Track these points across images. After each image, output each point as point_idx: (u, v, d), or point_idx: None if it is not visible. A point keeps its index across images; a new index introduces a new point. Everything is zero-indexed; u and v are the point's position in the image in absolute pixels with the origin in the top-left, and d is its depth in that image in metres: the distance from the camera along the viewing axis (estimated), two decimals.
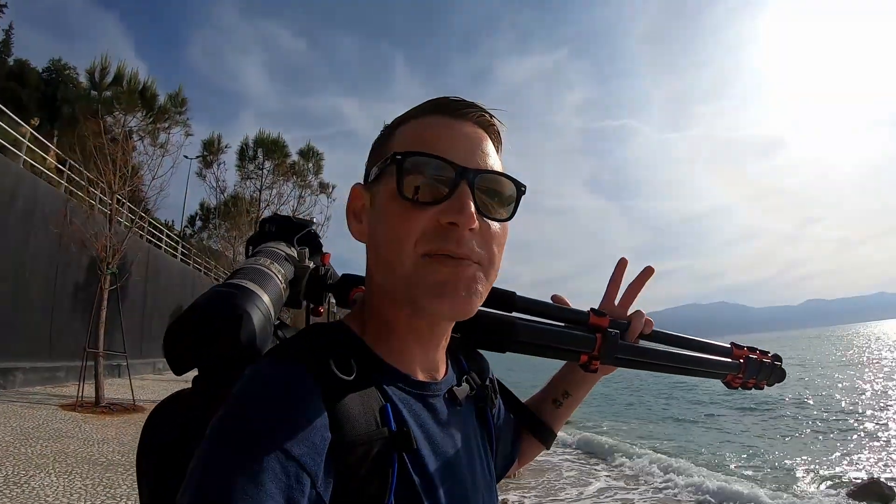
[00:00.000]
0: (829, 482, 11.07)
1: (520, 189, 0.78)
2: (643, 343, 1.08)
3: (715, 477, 11.53)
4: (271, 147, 13.59)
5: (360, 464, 0.63)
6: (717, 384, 1.25)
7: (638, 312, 1.10)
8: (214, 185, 13.31)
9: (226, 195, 13.41)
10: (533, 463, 10.28)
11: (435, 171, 0.71)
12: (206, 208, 14.17)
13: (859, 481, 10.41)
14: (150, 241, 20.52)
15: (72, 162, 15.27)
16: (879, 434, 15.97)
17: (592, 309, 1.01)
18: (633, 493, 10.19)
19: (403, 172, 0.71)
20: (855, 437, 15.93)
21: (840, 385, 30.25)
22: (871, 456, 13.40)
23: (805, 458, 13.52)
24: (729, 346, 1.19)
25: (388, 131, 0.81)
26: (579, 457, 13.58)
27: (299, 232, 1.05)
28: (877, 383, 30.20)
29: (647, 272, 1.14)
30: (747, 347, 1.19)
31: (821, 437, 16.22)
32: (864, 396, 24.84)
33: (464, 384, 0.86)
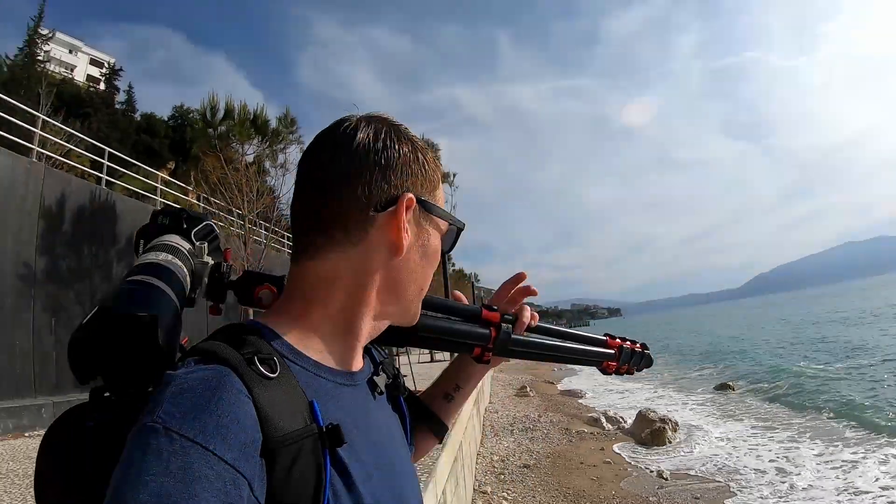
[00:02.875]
0: None
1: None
2: (530, 336, 1.15)
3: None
4: None
5: (293, 462, 0.64)
6: None
7: (523, 307, 1.18)
8: None
9: None
10: None
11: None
12: None
13: None
14: (289, 253, 20.81)
15: (203, 195, 17.23)
16: None
17: (484, 304, 1.10)
18: None
19: (456, 239, 0.93)
20: None
21: None
22: None
23: None
24: (604, 336, 1.32)
25: (434, 162, 0.87)
26: None
27: (196, 225, 1.01)
28: None
29: (519, 277, 1.21)
30: (619, 338, 1.32)
31: None
32: None
33: (381, 374, 0.91)
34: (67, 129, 16.82)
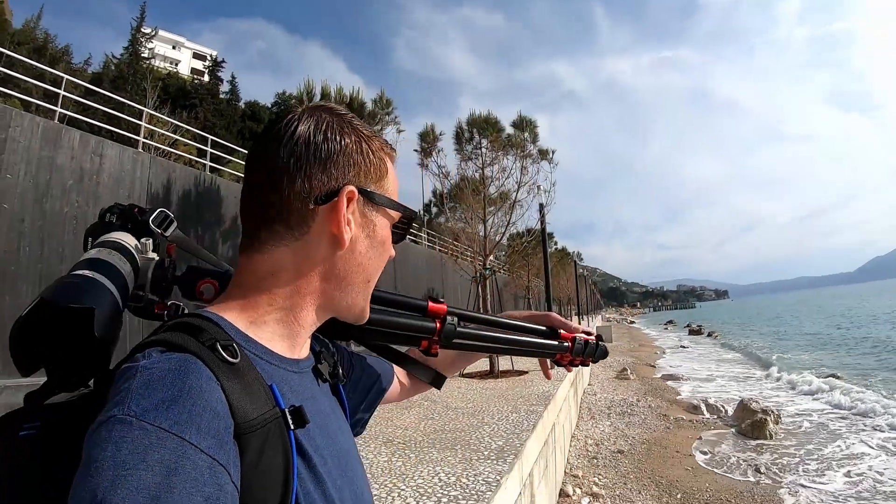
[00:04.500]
0: None
1: None
2: (478, 329, 1.16)
3: None
4: (483, 125, 14.26)
5: (263, 446, 0.65)
6: None
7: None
8: (437, 172, 14.16)
9: (450, 179, 14.27)
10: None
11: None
12: (437, 194, 14.93)
13: None
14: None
15: None
16: None
17: (430, 297, 1.09)
18: None
19: (408, 228, 0.93)
20: None
21: None
22: None
23: None
24: (550, 328, 1.30)
25: (384, 157, 0.88)
26: None
27: (143, 221, 0.99)
28: None
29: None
30: (572, 329, 1.31)
31: None
32: None
33: (324, 362, 0.93)
34: (173, 120, 17.81)
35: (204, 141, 15.83)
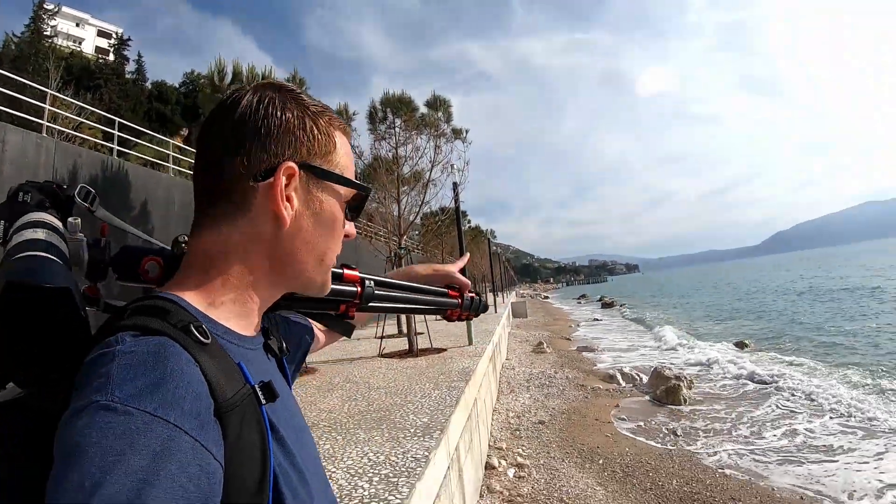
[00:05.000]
0: None
1: None
2: (390, 291, 1.22)
3: None
4: (397, 104, 14.03)
5: (241, 424, 0.65)
6: None
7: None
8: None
9: (363, 159, 13.95)
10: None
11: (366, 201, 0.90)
12: None
13: None
14: None
15: None
16: None
17: (344, 265, 1.11)
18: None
19: (360, 198, 0.90)
20: None
21: None
22: None
23: None
24: (445, 288, 1.40)
25: (330, 127, 0.85)
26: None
27: (62, 200, 0.94)
28: None
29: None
30: (458, 289, 1.41)
31: None
32: None
33: (272, 337, 0.92)
34: (77, 102, 16.89)
35: (110, 123, 14.93)
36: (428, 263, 1.48)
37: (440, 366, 8.53)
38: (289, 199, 0.78)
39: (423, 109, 14.52)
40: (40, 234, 0.82)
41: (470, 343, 11.21)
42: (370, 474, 3.77)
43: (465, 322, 1.60)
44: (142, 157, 16.07)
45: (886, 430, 9.03)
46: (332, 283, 1.01)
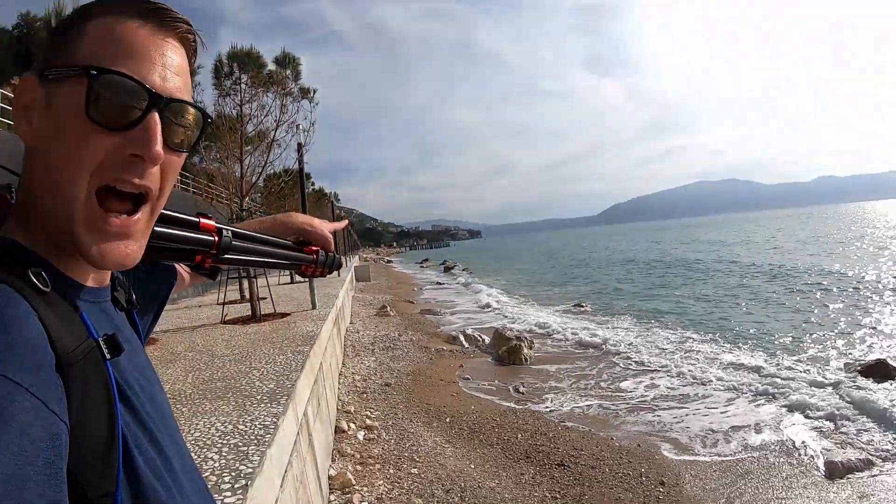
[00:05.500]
0: (835, 360, 11.51)
1: (206, 120, 0.77)
2: (247, 244, 1.18)
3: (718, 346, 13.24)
4: (245, 59, 12.99)
5: (85, 378, 0.59)
6: None
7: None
8: None
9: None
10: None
11: (128, 95, 0.66)
12: None
13: (866, 360, 10.84)
14: None
15: None
16: (889, 313, 16.15)
17: (200, 213, 1.06)
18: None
19: (95, 90, 0.64)
20: (863, 315, 16.13)
21: (847, 263, 30.39)
22: (879, 335, 13.53)
23: (810, 334, 14.15)
24: (300, 244, 1.39)
25: (80, 20, 0.69)
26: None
27: None
28: (888, 262, 29.51)
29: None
30: (314, 246, 1.40)
31: (828, 315, 16.62)
32: (873, 275, 24.69)
33: (119, 289, 0.85)
34: None
35: None
36: (289, 213, 1.40)
37: (284, 331, 8.29)
38: (29, 119, 0.67)
39: (271, 66, 13.94)
40: None
41: (314, 307, 10.98)
42: (219, 445, 3.56)
43: (312, 279, 1.55)
44: None
45: (712, 382, 10.10)
46: (189, 232, 0.96)
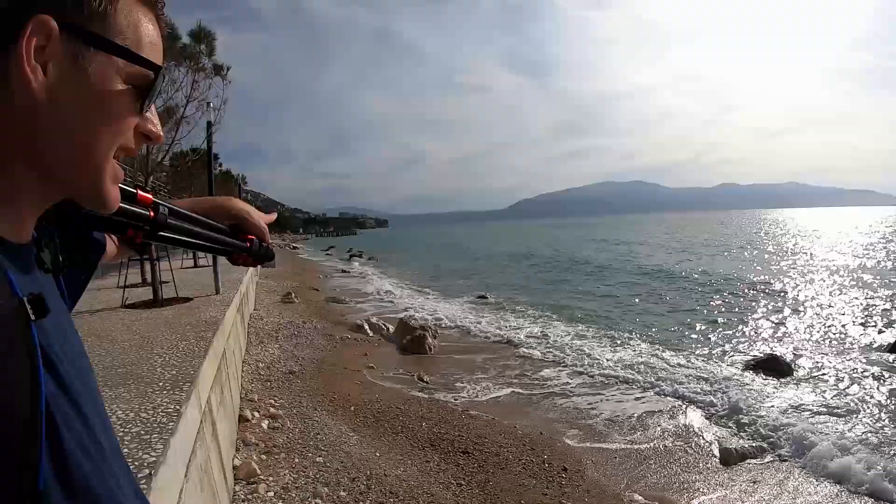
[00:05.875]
0: (729, 356, 12.24)
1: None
2: (184, 223, 1.14)
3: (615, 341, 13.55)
4: None
5: (6, 343, 0.56)
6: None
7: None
8: None
9: None
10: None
11: (158, 83, 0.74)
12: None
13: (758, 356, 11.59)
14: None
15: None
16: (779, 312, 17.50)
17: (139, 186, 1.02)
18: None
19: (154, 85, 0.73)
20: (756, 314, 17.43)
21: (743, 266, 32.66)
22: (770, 333, 14.71)
23: (706, 332, 15.02)
24: (232, 229, 1.35)
25: None
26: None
27: None
28: (779, 266, 32.36)
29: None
30: (250, 235, 1.36)
31: (722, 314, 17.75)
32: (765, 277, 26.62)
33: (45, 249, 0.81)
34: None
35: None
36: (229, 198, 1.36)
37: (187, 316, 8.03)
38: (43, 66, 0.61)
39: (185, 40, 13.38)
40: None
41: (217, 292, 10.68)
42: (121, 433, 3.42)
43: (248, 267, 1.48)
44: None
45: (610, 375, 10.64)
46: (125, 204, 0.89)
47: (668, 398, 9.18)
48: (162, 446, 3.18)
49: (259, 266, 1.48)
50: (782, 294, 21.35)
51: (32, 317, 0.59)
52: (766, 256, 40.31)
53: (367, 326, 14.25)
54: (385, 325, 14.36)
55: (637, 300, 21.62)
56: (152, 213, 0.99)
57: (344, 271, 38.90)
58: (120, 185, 0.89)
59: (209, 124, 11.89)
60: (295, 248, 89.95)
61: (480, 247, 73.66)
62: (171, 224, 1.05)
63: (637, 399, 9.23)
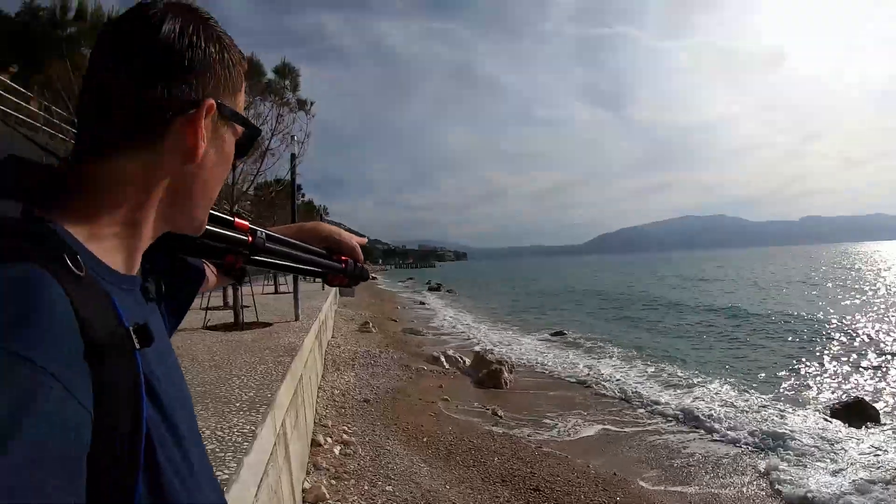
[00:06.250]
0: (812, 400, 11.67)
1: None
2: (278, 246, 1.18)
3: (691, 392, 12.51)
4: None
5: (113, 367, 0.59)
6: None
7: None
8: None
9: None
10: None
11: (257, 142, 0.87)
12: None
13: (843, 400, 10.92)
14: None
15: (45, 104, 15.82)
16: (866, 355, 16.33)
17: (236, 213, 1.10)
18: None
19: (250, 146, 0.91)
20: (841, 356, 16.38)
21: (830, 303, 31.06)
22: (857, 376, 13.89)
23: (790, 374, 14.30)
24: (328, 251, 1.37)
25: (238, 63, 0.82)
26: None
27: None
28: (867, 303, 30.47)
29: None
30: (343, 255, 1.38)
31: (806, 355, 16.67)
32: (852, 316, 25.00)
33: (150, 280, 0.87)
34: None
35: None
36: (315, 222, 1.42)
37: (266, 340, 8.25)
38: (202, 137, 0.74)
39: (270, 75, 13.97)
40: None
41: (297, 319, 10.94)
42: None
43: (343, 287, 1.50)
44: None
45: (693, 419, 10.08)
46: (223, 229, 1.01)
47: (747, 443, 8.75)
48: (235, 465, 3.24)
49: (352, 286, 1.50)
50: (872, 335, 20.01)
51: (137, 346, 0.63)
52: (856, 293, 37.83)
53: (443, 358, 14.24)
54: (461, 358, 14.32)
55: (718, 339, 20.75)
56: (250, 238, 1.05)
57: (422, 303, 39.23)
58: (217, 212, 1.01)
59: (293, 156, 12.28)
60: (374, 278, 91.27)
61: (558, 282, 72.82)
62: (268, 248, 1.10)
63: (715, 442, 8.89)
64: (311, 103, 14.24)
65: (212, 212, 0.98)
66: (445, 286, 61.46)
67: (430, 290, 57.05)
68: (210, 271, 1.21)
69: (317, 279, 1.45)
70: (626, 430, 9.36)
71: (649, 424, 9.70)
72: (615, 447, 8.43)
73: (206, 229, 0.93)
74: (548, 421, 9.53)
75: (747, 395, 11.87)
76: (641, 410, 10.62)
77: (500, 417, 9.46)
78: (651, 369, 14.83)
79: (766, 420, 9.78)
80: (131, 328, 0.63)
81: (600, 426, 9.44)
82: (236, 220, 1.05)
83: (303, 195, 37.05)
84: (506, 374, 12.26)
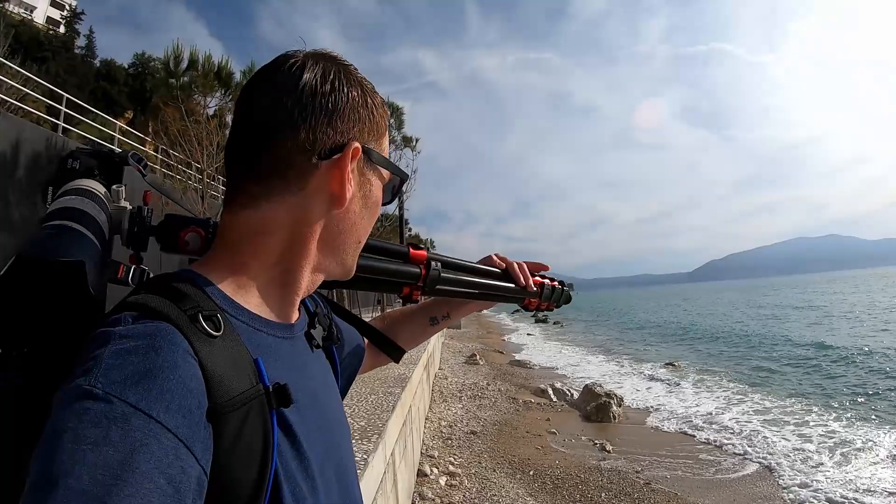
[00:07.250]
0: None
1: None
2: (458, 274, 1.16)
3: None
4: None
5: (241, 426, 0.61)
6: None
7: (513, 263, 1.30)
8: None
9: None
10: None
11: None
12: None
13: None
14: None
15: (161, 147, 16.77)
16: None
17: (410, 243, 1.08)
18: None
19: (398, 190, 0.92)
20: None
21: None
22: None
23: None
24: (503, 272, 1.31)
25: (382, 107, 0.83)
26: None
27: (112, 167, 0.94)
28: None
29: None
30: (539, 276, 1.34)
31: None
32: None
33: (317, 326, 0.90)
34: (25, 72, 16.07)
35: (56, 98, 14.20)
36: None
37: (376, 371, 8.41)
38: (349, 181, 0.75)
39: None
40: (75, 201, 0.81)
41: (405, 350, 11.17)
42: None
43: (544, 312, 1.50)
44: (85, 136, 15.38)
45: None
46: (394, 264, 1.04)
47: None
48: None
49: (556, 308, 1.46)
50: None
51: (273, 405, 0.65)
52: None
53: (550, 391, 14.10)
54: (569, 391, 14.12)
55: (839, 376, 18.91)
56: (424, 271, 1.06)
57: (529, 334, 38.85)
58: (392, 245, 1.08)
59: (401, 193, 12.67)
60: (481, 310, 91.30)
61: (667, 311, 69.95)
62: (444, 278, 1.10)
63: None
64: (416, 140, 14.57)
65: (387, 245, 1.06)
66: (552, 317, 60.69)
67: (538, 321, 56.48)
68: (367, 353, 1.21)
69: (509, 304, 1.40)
70: (735, 475, 8.83)
71: (759, 466, 8.91)
72: (726, 487, 8.00)
73: (371, 265, 0.99)
74: (657, 457, 9.22)
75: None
76: (752, 449, 9.75)
77: (609, 452, 9.26)
78: (768, 405, 13.54)
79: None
80: (271, 387, 0.65)
81: (712, 464, 9.04)
82: (412, 250, 1.07)
83: (409, 229, 37.87)
84: (615, 408, 11.99)
